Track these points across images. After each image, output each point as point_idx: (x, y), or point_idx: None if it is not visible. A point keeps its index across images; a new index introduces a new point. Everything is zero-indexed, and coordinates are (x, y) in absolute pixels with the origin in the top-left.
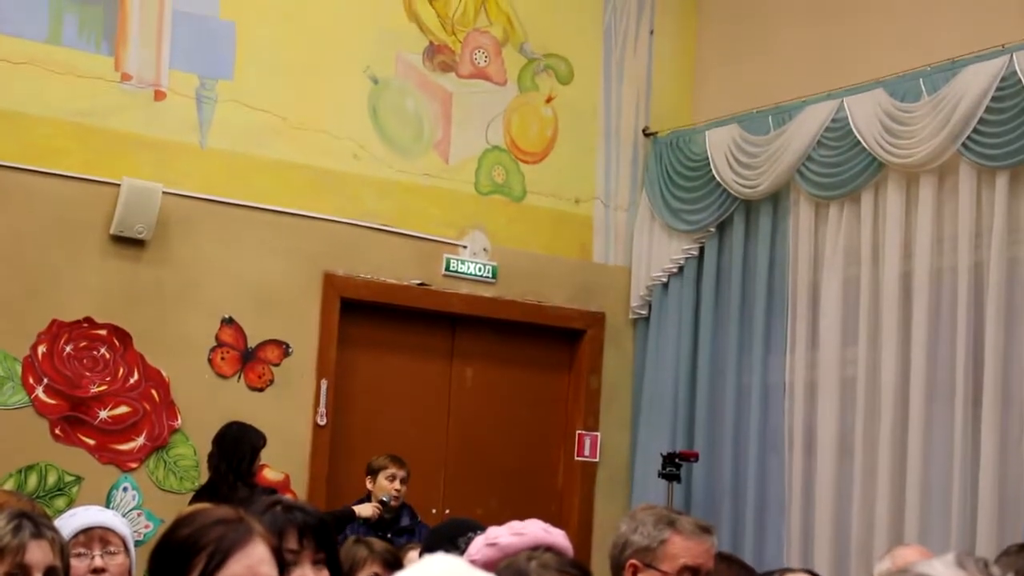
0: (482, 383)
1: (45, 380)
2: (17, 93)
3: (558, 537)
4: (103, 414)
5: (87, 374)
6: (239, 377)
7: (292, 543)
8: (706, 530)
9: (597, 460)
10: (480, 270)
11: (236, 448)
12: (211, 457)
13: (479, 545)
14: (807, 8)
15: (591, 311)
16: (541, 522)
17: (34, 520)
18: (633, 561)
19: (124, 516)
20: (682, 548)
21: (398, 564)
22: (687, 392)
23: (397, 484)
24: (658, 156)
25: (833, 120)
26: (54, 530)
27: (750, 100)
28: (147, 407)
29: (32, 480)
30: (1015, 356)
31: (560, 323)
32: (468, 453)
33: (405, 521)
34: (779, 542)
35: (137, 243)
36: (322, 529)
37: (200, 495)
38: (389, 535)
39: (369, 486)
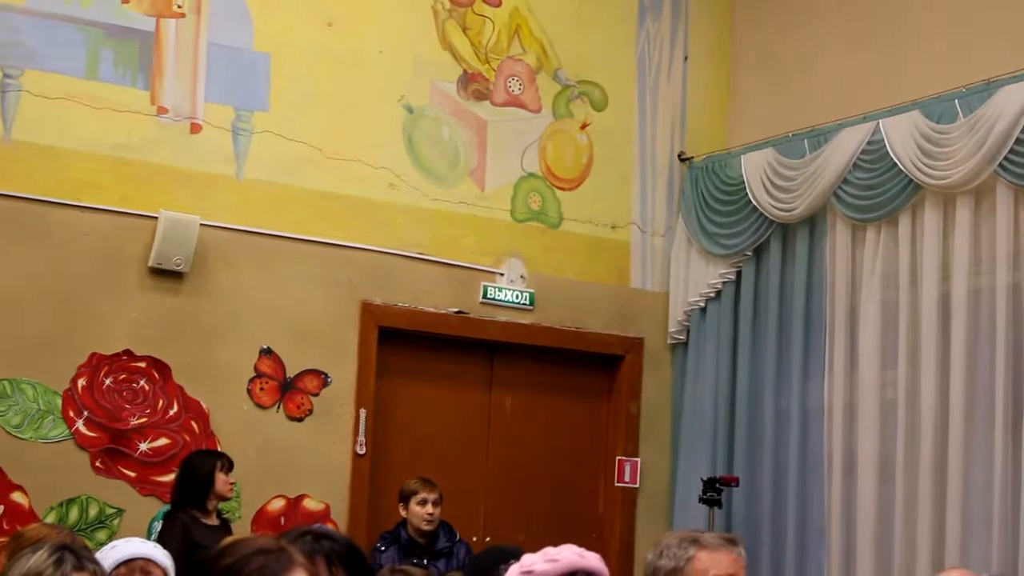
0: (521, 410)
1: (85, 413)
2: (54, 128)
3: (593, 561)
4: (143, 446)
5: (127, 406)
6: (278, 407)
7: (322, 571)
8: (731, 541)
9: (637, 486)
10: (517, 297)
11: (190, 474)
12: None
13: (514, 573)
14: (841, 31)
15: (629, 337)
16: (575, 547)
17: (75, 553)
18: None
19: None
20: (710, 562)
21: None
22: (726, 416)
23: (429, 508)
24: (694, 181)
25: (869, 142)
26: (95, 562)
27: (785, 123)
28: (187, 439)
29: (73, 513)
30: None
31: (598, 349)
32: (508, 480)
33: (442, 543)
34: (819, 567)
35: (175, 275)
36: (352, 556)
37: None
38: (426, 560)
39: (403, 512)
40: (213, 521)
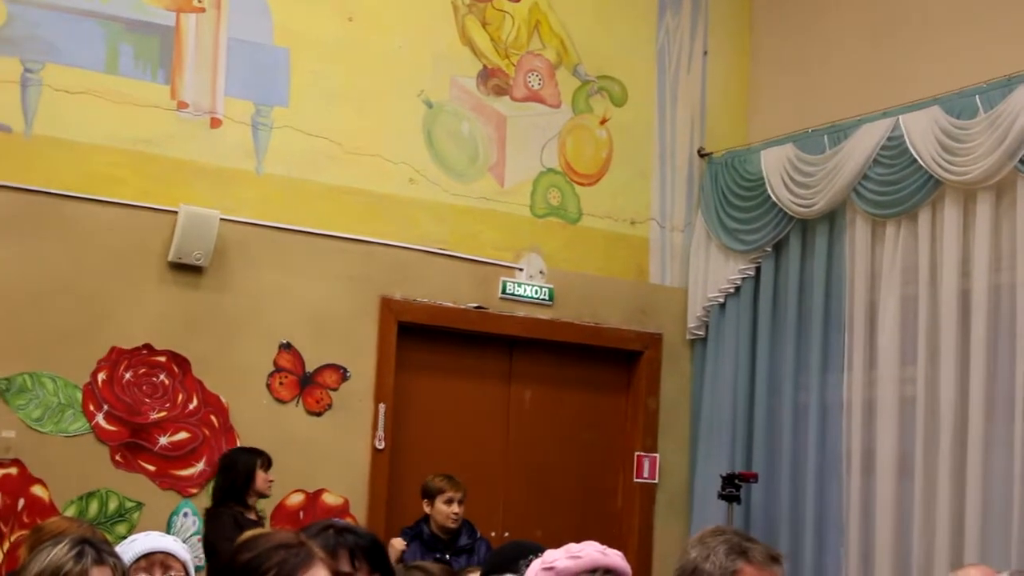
0: (540, 405)
1: (105, 407)
2: (75, 123)
3: (615, 558)
4: (163, 440)
5: (147, 400)
6: (297, 402)
7: (345, 565)
8: (776, 559)
9: (656, 481)
10: (537, 292)
11: (231, 471)
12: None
13: (535, 569)
14: (861, 26)
15: (648, 332)
16: (598, 544)
17: (96, 546)
18: None
19: (184, 541)
20: None
21: None
22: (745, 412)
23: (455, 507)
24: (713, 176)
25: (889, 138)
26: (115, 556)
27: (805, 119)
28: (206, 433)
29: (93, 506)
30: None
31: (617, 344)
32: (527, 476)
33: (464, 540)
34: (838, 563)
35: (195, 270)
36: (374, 550)
37: (208, 521)
38: (448, 556)
39: (427, 509)
40: (254, 517)
